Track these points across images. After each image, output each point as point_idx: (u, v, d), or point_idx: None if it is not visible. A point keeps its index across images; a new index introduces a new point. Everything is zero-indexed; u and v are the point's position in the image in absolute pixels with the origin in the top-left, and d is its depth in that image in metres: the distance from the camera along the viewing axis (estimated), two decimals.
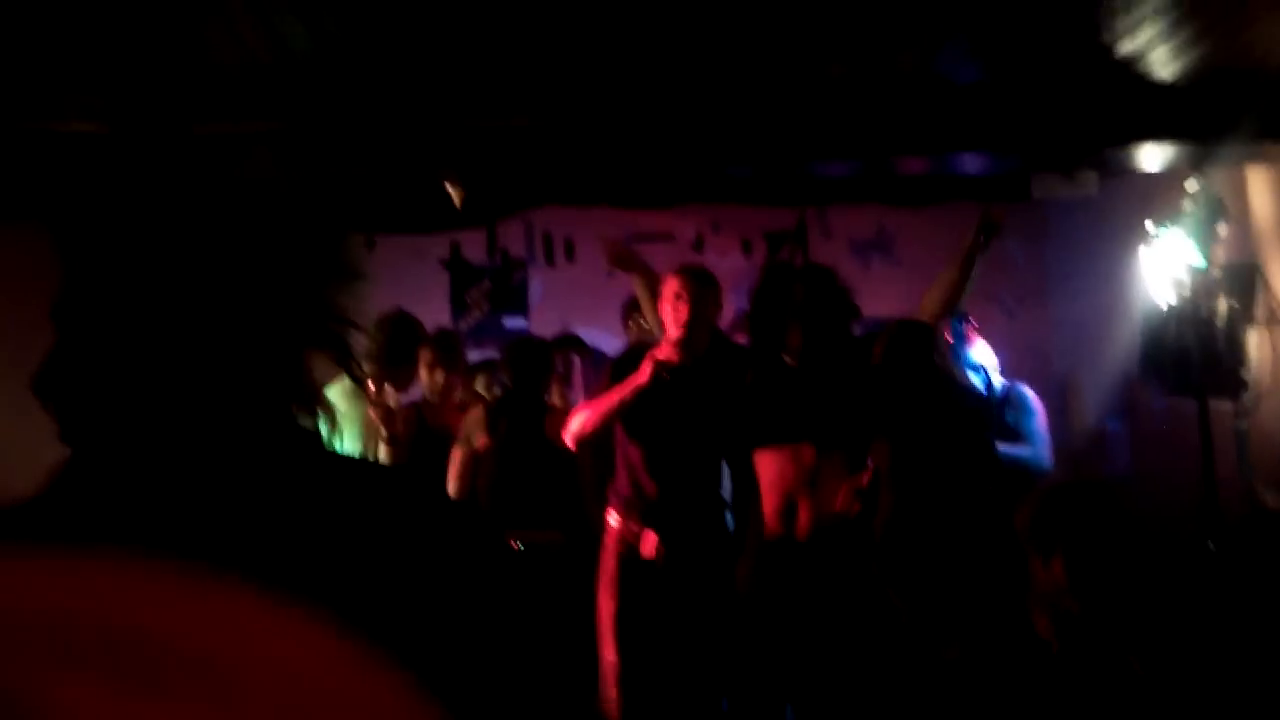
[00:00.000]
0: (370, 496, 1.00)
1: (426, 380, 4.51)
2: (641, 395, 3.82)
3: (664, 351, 3.81)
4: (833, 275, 4.03)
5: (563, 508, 4.27)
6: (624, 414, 3.90)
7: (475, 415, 4.45)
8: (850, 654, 3.61)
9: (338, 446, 4.57)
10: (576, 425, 3.93)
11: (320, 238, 1.09)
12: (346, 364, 1.10)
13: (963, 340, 4.69)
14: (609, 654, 3.85)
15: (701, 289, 3.96)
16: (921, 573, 3.51)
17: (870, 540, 3.66)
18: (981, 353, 4.75)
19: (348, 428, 4.17)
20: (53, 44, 3.41)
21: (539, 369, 4.51)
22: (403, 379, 4.39)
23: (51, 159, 4.02)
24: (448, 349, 4.70)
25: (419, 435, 4.29)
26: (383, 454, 4.08)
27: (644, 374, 3.78)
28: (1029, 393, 4.80)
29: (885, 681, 3.40)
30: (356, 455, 4.05)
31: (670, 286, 3.95)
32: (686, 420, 3.91)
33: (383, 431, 4.06)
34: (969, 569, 3.39)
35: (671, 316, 3.89)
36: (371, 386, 4.06)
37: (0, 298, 6.02)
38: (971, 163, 4.29)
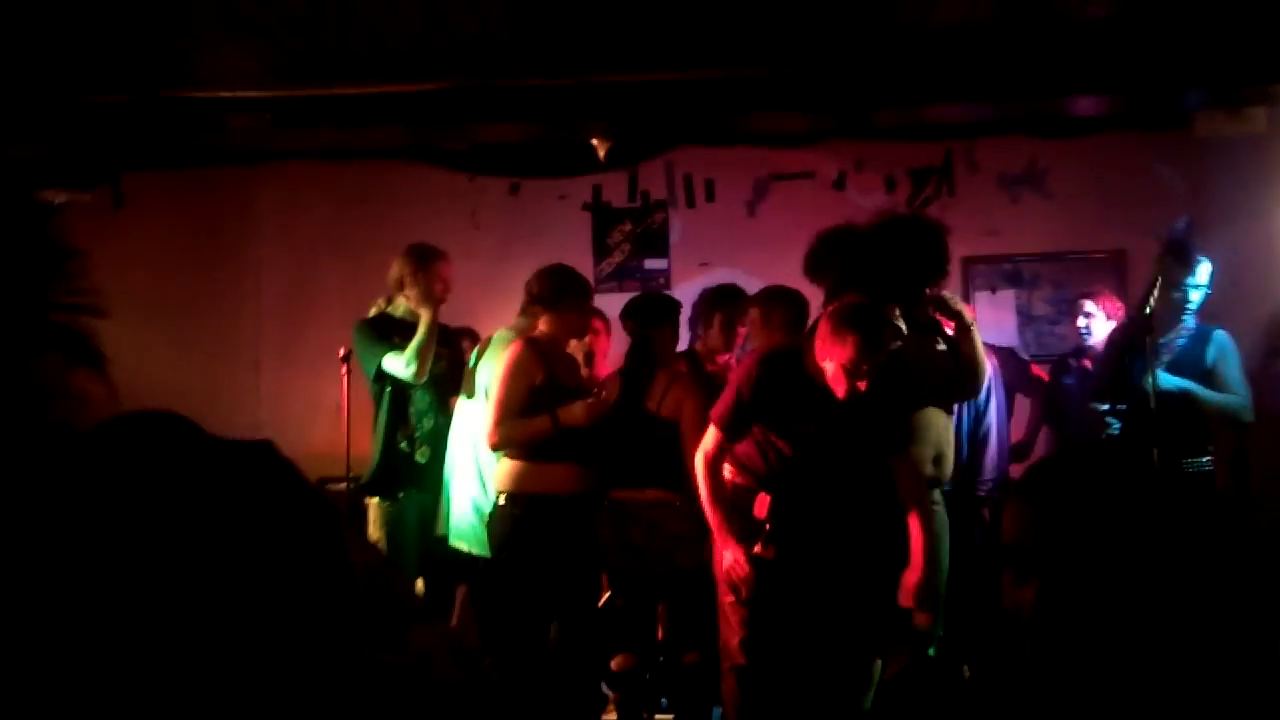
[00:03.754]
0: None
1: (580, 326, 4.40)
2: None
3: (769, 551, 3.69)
4: (940, 233, 3.81)
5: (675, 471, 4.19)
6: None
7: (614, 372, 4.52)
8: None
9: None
10: (702, 468, 3.79)
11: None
12: (84, 356, 0.96)
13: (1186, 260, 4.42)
14: (725, 595, 3.86)
15: (878, 360, 3.51)
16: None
17: None
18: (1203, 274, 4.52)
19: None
20: None
21: (658, 323, 4.44)
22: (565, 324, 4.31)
23: None
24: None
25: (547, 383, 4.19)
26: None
27: (739, 564, 3.71)
28: (1229, 338, 4.57)
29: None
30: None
31: (846, 351, 3.44)
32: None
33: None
34: None
35: (838, 377, 3.53)
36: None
37: None
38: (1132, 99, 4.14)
